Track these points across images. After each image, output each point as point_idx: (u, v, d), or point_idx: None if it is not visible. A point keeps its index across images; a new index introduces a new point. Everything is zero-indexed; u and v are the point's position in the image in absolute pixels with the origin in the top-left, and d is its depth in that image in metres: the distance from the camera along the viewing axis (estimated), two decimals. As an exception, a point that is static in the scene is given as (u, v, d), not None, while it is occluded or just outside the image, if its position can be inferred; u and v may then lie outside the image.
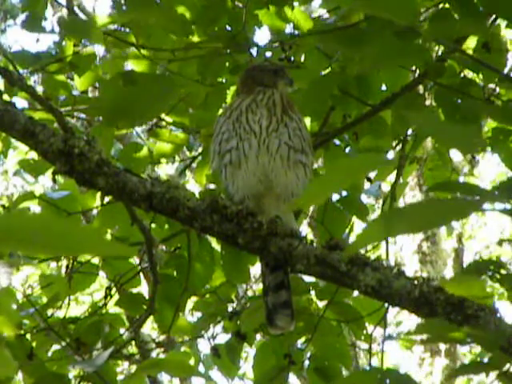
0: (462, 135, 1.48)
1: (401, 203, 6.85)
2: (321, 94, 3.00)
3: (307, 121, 3.30)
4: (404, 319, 7.66)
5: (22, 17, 8.41)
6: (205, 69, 3.39)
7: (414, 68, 3.32)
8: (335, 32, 2.55)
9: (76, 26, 3.23)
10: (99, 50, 4.06)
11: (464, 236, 9.01)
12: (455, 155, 6.15)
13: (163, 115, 3.73)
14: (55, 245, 1.15)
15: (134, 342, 3.94)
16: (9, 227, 1.13)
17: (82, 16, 4.04)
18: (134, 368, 3.14)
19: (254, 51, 3.40)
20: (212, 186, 3.76)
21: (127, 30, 3.57)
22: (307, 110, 3.21)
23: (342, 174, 1.35)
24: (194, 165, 3.98)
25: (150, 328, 6.38)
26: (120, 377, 3.18)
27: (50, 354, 3.40)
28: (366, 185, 3.73)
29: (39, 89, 3.98)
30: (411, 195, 7.07)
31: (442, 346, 6.87)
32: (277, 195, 2.47)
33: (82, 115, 3.83)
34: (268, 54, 3.49)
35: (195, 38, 3.49)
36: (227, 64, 3.46)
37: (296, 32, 3.57)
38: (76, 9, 4.34)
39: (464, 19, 2.54)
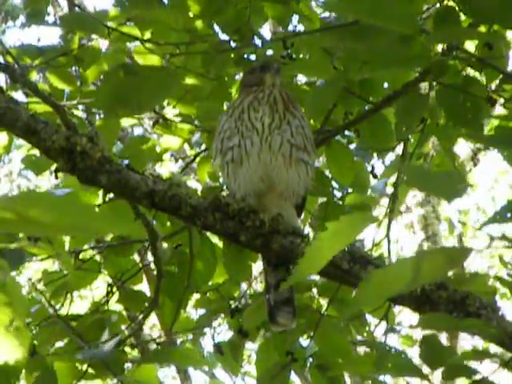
0: (446, 183, 1.52)
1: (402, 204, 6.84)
2: (326, 99, 3.00)
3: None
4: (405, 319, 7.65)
5: (22, 18, 8.39)
6: (209, 62, 3.37)
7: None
8: (338, 28, 2.54)
9: (79, 20, 3.23)
10: (104, 44, 4.05)
11: (465, 235, 8.99)
12: (459, 153, 6.15)
13: (170, 107, 3.73)
14: (66, 224, 1.15)
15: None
16: (21, 207, 1.13)
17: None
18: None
19: (258, 43, 3.39)
20: (212, 184, 3.75)
21: (131, 23, 3.57)
22: (311, 114, 3.20)
23: (334, 239, 1.37)
24: (195, 163, 3.97)
25: (149, 327, 6.38)
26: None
27: (52, 351, 3.39)
28: (372, 181, 3.73)
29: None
30: (412, 195, 7.05)
31: (443, 346, 6.84)
32: (278, 193, 2.46)
33: (81, 106, 3.82)
34: (269, 52, 3.48)
35: (199, 31, 3.48)
36: (232, 56, 3.44)
37: (301, 26, 3.56)
38: (76, 9, 4.33)
39: (467, 27, 2.54)
